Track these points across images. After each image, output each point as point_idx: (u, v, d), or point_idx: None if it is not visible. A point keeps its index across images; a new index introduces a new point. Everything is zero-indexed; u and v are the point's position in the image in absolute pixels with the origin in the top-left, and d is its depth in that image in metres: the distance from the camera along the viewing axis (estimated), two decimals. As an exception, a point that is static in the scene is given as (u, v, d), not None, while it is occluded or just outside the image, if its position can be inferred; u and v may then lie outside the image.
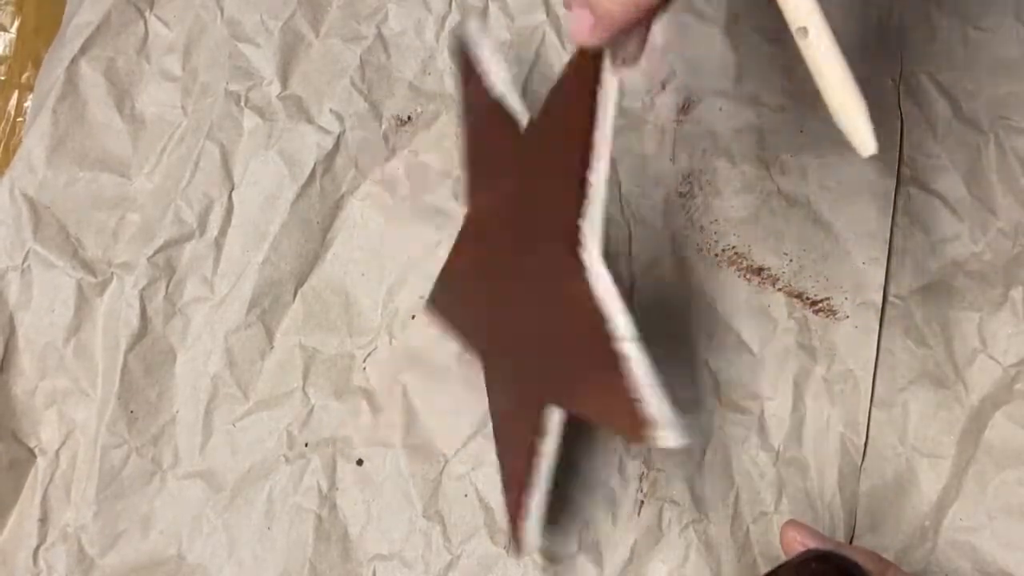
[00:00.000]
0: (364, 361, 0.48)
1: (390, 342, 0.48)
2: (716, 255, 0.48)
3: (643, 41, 0.35)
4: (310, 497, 0.46)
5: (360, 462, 0.46)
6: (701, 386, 0.46)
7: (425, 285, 0.48)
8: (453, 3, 0.53)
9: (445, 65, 0.52)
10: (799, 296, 0.47)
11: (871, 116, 0.49)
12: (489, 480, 0.46)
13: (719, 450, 0.45)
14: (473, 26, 0.42)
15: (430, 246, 0.49)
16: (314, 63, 0.53)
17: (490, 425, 0.46)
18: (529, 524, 0.38)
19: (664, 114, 0.50)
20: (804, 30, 0.32)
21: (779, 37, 0.51)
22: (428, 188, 0.50)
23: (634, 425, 0.32)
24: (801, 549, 0.36)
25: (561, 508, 0.45)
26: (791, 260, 0.48)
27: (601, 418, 0.35)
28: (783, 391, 0.46)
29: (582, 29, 0.33)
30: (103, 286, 0.49)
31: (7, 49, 0.56)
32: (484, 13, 0.53)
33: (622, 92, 0.44)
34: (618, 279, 0.44)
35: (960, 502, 0.43)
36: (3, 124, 0.54)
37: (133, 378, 0.47)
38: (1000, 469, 0.44)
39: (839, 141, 0.49)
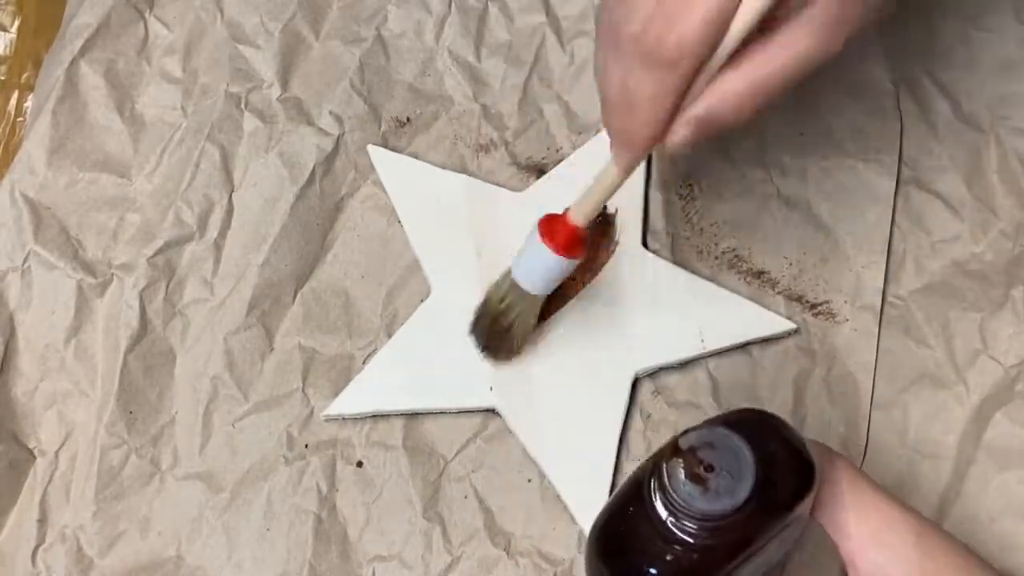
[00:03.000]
0: (364, 362, 0.48)
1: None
2: (716, 258, 0.48)
3: None
4: (310, 498, 0.46)
5: (360, 464, 0.46)
6: (700, 388, 0.46)
7: (425, 287, 0.48)
8: (452, 4, 0.53)
9: (444, 66, 0.52)
10: (799, 299, 0.47)
11: (871, 116, 0.49)
12: (489, 482, 0.46)
13: (719, 452, 0.45)
14: None
15: (430, 247, 0.49)
16: (314, 65, 0.53)
17: (490, 428, 0.46)
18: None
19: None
20: None
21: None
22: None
23: None
24: None
25: (561, 509, 0.45)
26: (791, 263, 0.48)
27: None
28: (782, 393, 0.45)
29: (620, 156, 0.36)
30: (103, 287, 0.49)
31: (7, 49, 0.56)
32: (483, 14, 0.53)
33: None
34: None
35: (961, 503, 0.43)
36: (3, 124, 0.54)
37: (133, 379, 0.47)
38: (1001, 469, 0.43)
39: (839, 143, 0.49)
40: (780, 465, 0.28)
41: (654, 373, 0.46)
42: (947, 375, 0.45)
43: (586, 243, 0.40)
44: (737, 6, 0.30)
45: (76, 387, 0.48)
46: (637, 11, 0.31)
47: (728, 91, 0.32)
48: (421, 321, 0.47)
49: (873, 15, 0.32)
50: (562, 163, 0.50)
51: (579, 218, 0.39)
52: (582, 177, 0.39)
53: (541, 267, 0.40)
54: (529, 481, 0.45)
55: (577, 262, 0.40)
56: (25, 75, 0.55)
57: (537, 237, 0.40)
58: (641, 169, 0.49)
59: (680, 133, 0.33)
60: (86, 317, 0.49)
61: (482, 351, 0.45)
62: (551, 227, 0.39)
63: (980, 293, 0.46)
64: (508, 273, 0.42)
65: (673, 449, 0.27)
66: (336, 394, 0.47)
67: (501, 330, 0.43)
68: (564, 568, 0.44)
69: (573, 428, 0.45)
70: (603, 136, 0.49)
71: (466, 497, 0.46)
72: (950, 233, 0.48)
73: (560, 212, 0.40)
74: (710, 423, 0.29)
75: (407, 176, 0.50)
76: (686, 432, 0.28)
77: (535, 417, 0.45)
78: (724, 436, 0.27)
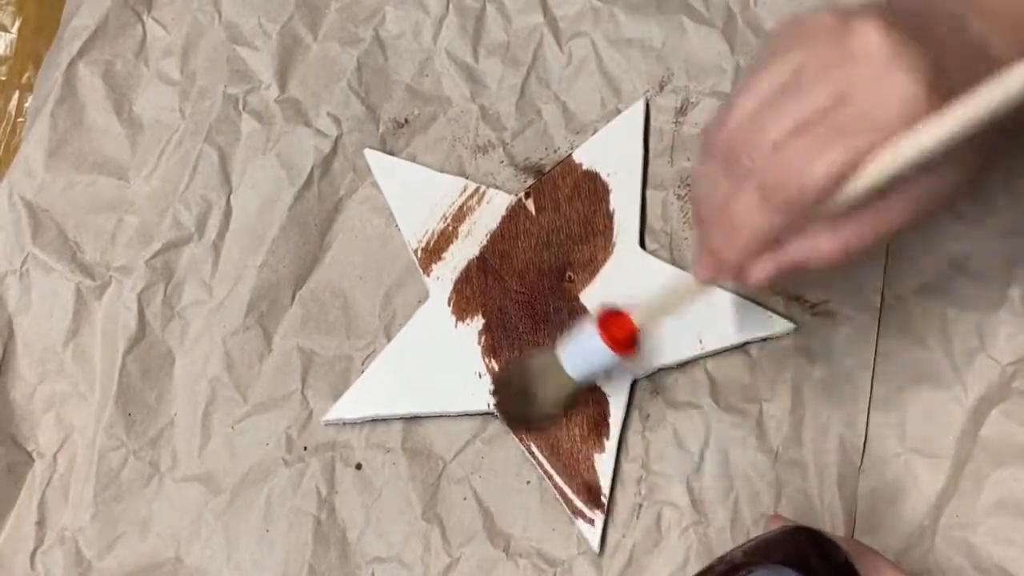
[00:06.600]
0: (363, 364, 0.48)
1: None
2: (714, 257, 0.48)
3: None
4: (309, 500, 0.46)
5: (359, 466, 0.46)
6: (699, 388, 0.46)
7: (423, 288, 0.48)
8: (450, 5, 0.53)
9: (443, 67, 0.52)
10: (797, 299, 0.47)
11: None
12: (488, 483, 0.46)
13: (718, 452, 0.45)
14: None
15: (428, 248, 0.49)
16: (312, 66, 0.53)
17: (489, 429, 0.46)
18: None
19: (662, 116, 0.50)
20: None
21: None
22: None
23: None
24: None
25: (560, 511, 0.45)
26: (789, 262, 0.48)
27: None
28: (781, 393, 0.45)
29: (704, 270, 0.36)
30: (101, 289, 0.49)
31: (8, 49, 0.56)
32: (481, 14, 0.53)
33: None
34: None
35: (957, 499, 0.43)
36: (3, 125, 0.54)
37: (131, 381, 0.47)
38: (996, 466, 0.43)
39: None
40: None
41: (653, 373, 0.46)
42: (945, 375, 0.45)
43: (639, 343, 0.40)
44: (857, 167, 0.30)
45: (75, 389, 0.48)
46: (763, 145, 0.31)
47: (822, 246, 0.33)
48: (419, 325, 0.47)
49: (957, 191, 0.32)
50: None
51: (642, 319, 0.40)
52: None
53: (592, 357, 0.40)
54: (528, 483, 0.45)
55: (627, 360, 0.41)
56: (26, 75, 0.55)
57: (594, 328, 0.40)
58: (639, 169, 0.49)
59: (764, 269, 0.34)
60: (84, 319, 0.49)
61: (499, 410, 0.45)
62: (610, 322, 0.40)
63: (978, 292, 0.46)
64: (550, 349, 0.42)
65: None
66: (335, 396, 0.47)
67: (526, 399, 0.43)
68: (563, 569, 0.44)
69: (572, 429, 0.45)
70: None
71: (465, 499, 0.46)
72: (948, 233, 0.48)
73: (619, 306, 0.40)
74: (756, 553, 0.33)
75: (404, 180, 0.50)
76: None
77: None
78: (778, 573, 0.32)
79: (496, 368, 0.46)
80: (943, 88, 0.29)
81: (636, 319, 0.40)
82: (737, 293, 0.47)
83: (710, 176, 0.34)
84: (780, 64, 0.32)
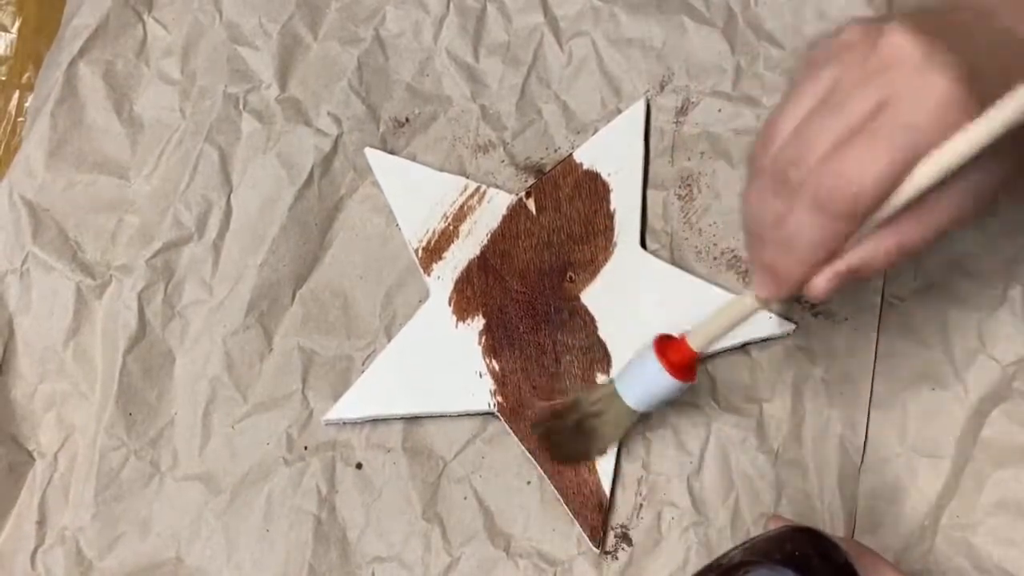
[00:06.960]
0: (363, 364, 0.48)
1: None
2: (715, 258, 0.48)
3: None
4: (309, 499, 0.46)
5: (359, 465, 0.46)
6: (699, 389, 0.46)
7: (424, 288, 0.48)
8: (451, 4, 0.53)
9: (443, 67, 0.52)
10: (798, 299, 0.47)
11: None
12: (488, 483, 0.46)
13: (718, 452, 0.45)
14: None
15: (428, 248, 0.49)
16: (312, 66, 0.53)
17: (489, 429, 0.46)
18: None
19: (662, 116, 0.50)
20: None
21: (778, 39, 0.51)
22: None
23: None
24: None
25: (560, 511, 0.45)
26: (790, 262, 0.48)
27: None
28: (781, 393, 0.45)
29: (766, 288, 0.36)
30: (102, 289, 0.49)
31: (8, 49, 0.56)
32: (481, 14, 0.53)
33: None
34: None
35: (957, 500, 0.43)
36: (3, 124, 0.54)
37: (132, 380, 0.47)
38: (997, 466, 0.43)
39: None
40: None
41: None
42: (946, 375, 0.45)
43: (697, 368, 0.40)
44: (909, 170, 0.30)
45: (75, 389, 0.48)
46: (810, 159, 0.32)
47: (879, 248, 0.33)
48: (419, 325, 0.47)
49: (1003, 185, 0.33)
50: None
51: (699, 343, 0.39)
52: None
53: (651, 384, 0.40)
54: (528, 483, 0.45)
55: (687, 386, 0.40)
56: (26, 75, 0.55)
57: (652, 355, 0.40)
58: (640, 169, 0.49)
59: (824, 281, 0.34)
60: (85, 319, 0.49)
61: (548, 446, 0.44)
62: (667, 348, 0.40)
63: (978, 293, 0.46)
64: (606, 383, 0.42)
65: None
66: (335, 396, 0.47)
67: (581, 433, 0.43)
68: (563, 568, 0.44)
69: (572, 429, 0.45)
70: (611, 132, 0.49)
71: (465, 498, 0.46)
72: (949, 233, 0.47)
73: (674, 334, 0.40)
74: (756, 553, 0.33)
75: (405, 179, 0.50)
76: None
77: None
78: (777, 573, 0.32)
79: (498, 369, 0.46)
80: (978, 82, 0.30)
81: (692, 343, 0.39)
82: (737, 294, 0.47)
83: (760, 196, 0.35)
84: (815, 79, 0.33)
